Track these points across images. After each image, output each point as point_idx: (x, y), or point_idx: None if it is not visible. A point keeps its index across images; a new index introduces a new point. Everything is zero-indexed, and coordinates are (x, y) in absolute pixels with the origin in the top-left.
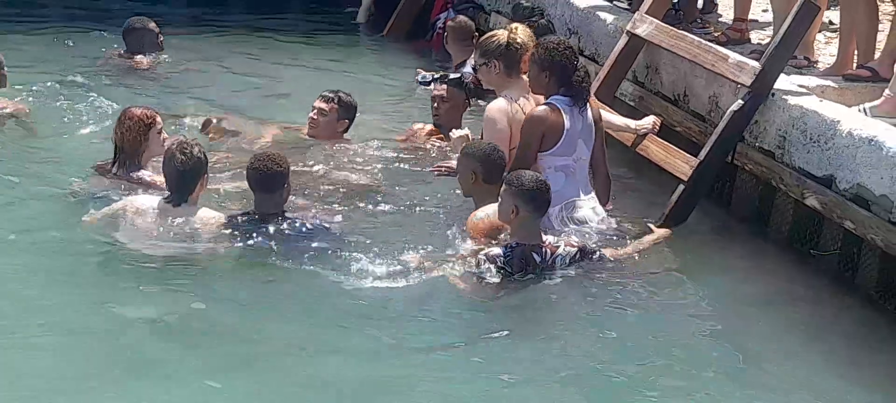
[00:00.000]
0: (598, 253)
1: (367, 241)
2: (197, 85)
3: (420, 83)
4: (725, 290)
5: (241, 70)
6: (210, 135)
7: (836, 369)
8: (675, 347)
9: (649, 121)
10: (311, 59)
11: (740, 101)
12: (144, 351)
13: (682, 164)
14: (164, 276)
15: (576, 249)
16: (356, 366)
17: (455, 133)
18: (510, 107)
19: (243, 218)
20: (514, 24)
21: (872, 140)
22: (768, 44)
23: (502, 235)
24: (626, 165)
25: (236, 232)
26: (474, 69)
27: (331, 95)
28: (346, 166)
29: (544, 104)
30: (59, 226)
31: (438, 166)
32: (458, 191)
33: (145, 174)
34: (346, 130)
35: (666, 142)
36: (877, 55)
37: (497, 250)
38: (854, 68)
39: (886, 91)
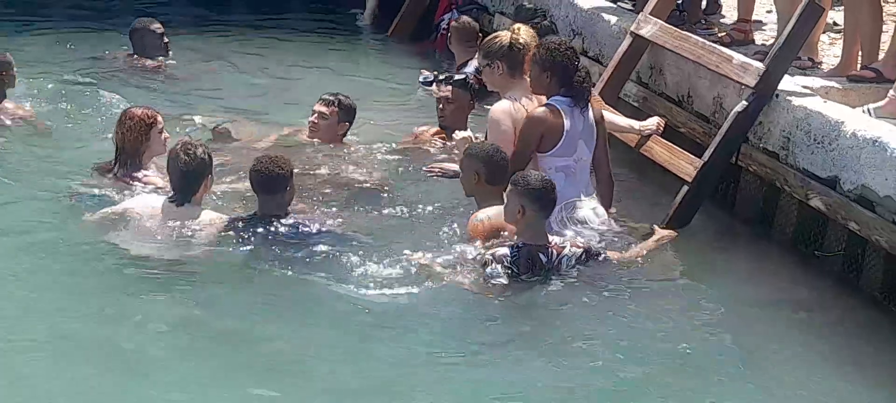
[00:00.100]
0: (602, 254)
1: (370, 243)
2: (201, 86)
3: (422, 83)
4: (729, 291)
5: (244, 71)
6: (213, 136)
7: (840, 370)
8: (679, 348)
9: (653, 122)
10: (315, 60)
11: (744, 102)
12: (143, 351)
13: (686, 165)
14: (164, 276)
15: (581, 250)
16: (360, 367)
17: (458, 134)
18: (513, 108)
19: (246, 220)
20: (517, 25)
21: (876, 141)
22: (772, 45)
23: (503, 237)
24: (629, 166)
25: (238, 234)
26: (478, 70)
27: (331, 98)
28: (349, 168)
29: (543, 105)
30: (59, 227)
31: (431, 167)
32: (459, 194)
33: (146, 174)
34: (346, 133)
35: (670, 143)
36: (881, 56)
37: (504, 250)
38: (858, 69)
39: (891, 92)
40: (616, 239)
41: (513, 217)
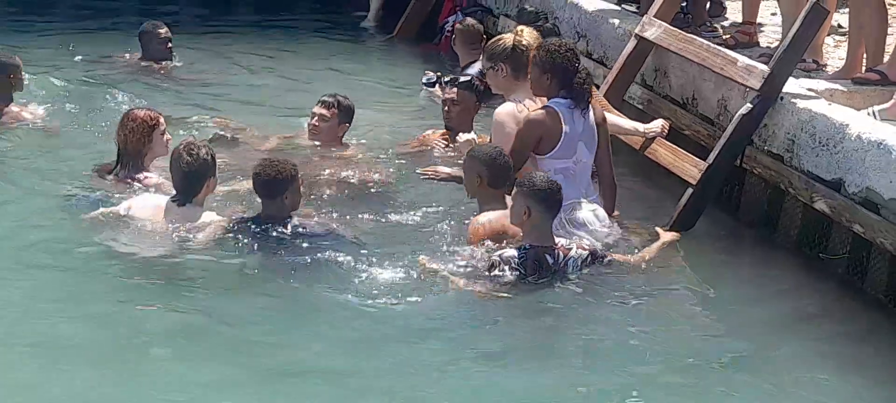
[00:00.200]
0: (607, 257)
1: (374, 247)
2: (205, 88)
3: (424, 84)
4: (734, 294)
5: (249, 73)
6: (214, 137)
7: (844, 372)
8: (683, 351)
9: (658, 124)
10: (320, 62)
11: (749, 105)
12: (142, 352)
13: (690, 168)
14: (164, 277)
15: (587, 252)
16: (363, 370)
17: (462, 137)
18: (518, 110)
19: (247, 222)
20: (521, 28)
21: (881, 143)
22: (777, 47)
23: (504, 240)
24: (634, 169)
25: (240, 236)
26: (482, 73)
27: (330, 100)
28: (353, 171)
29: (541, 108)
30: (60, 227)
31: (426, 170)
32: (464, 197)
33: (148, 176)
34: (344, 134)
35: (674, 146)
36: (886, 58)
37: (511, 252)
38: (863, 72)
39: None
40: (620, 241)
41: (519, 218)
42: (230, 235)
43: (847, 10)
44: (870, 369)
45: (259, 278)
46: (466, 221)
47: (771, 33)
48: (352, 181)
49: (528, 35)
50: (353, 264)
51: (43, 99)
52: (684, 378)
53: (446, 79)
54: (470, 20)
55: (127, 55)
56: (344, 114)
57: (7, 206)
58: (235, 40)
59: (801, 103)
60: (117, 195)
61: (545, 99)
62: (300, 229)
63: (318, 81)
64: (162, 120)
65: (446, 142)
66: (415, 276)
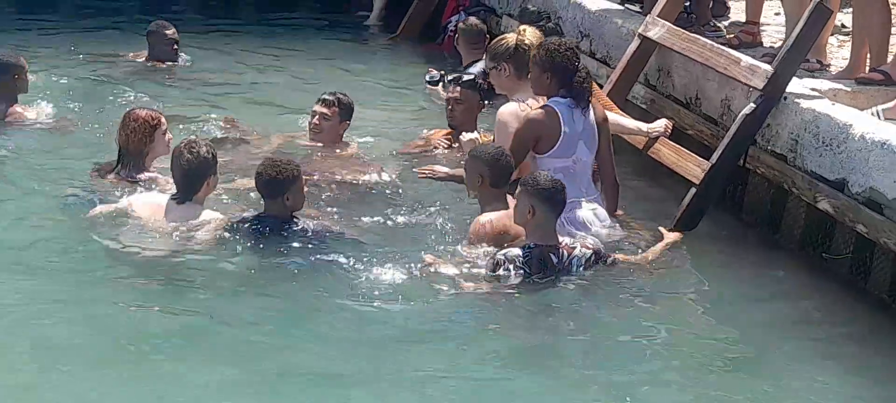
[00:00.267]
0: (611, 257)
1: (375, 246)
2: (209, 88)
3: (427, 82)
4: (737, 294)
5: (252, 72)
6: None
7: (847, 373)
8: (686, 351)
9: (661, 124)
10: (323, 61)
11: (752, 105)
12: (142, 352)
13: (693, 167)
14: (164, 276)
15: (591, 251)
16: (366, 372)
17: (465, 136)
18: (521, 110)
19: (248, 221)
20: (523, 27)
21: (885, 143)
22: (780, 47)
23: (507, 240)
24: (637, 169)
25: (240, 235)
26: (485, 73)
27: (331, 98)
28: (356, 171)
29: (540, 107)
30: (60, 227)
31: (422, 170)
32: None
33: (149, 176)
34: (344, 132)
35: (678, 146)
36: (889, 58)
37: (516, 251)
38: (866, 72)
39: None
40: (623, 241)
41: (523, 218)
42: (231, 235)
43: (851, 9)
44: (872, 369)
45: (260, 279)
46: (467, 219)
47: (774, 33)
48: (354, 181)
49: (530, 34)
50: (355, 265)
51: (47, 98)
52: (687, 378)
53: (449, 77)
54: (473, 20)
55: (131, 54)
56: (344, 111)
57: (7, 206)
58: (239, 40)
59: (804, 103)
60: (117, 194)
61: (546, 98)
62: (302, 229)
63: (322, 81)
64: (163, 119)
65: (449, 142)
66: (418, 277)
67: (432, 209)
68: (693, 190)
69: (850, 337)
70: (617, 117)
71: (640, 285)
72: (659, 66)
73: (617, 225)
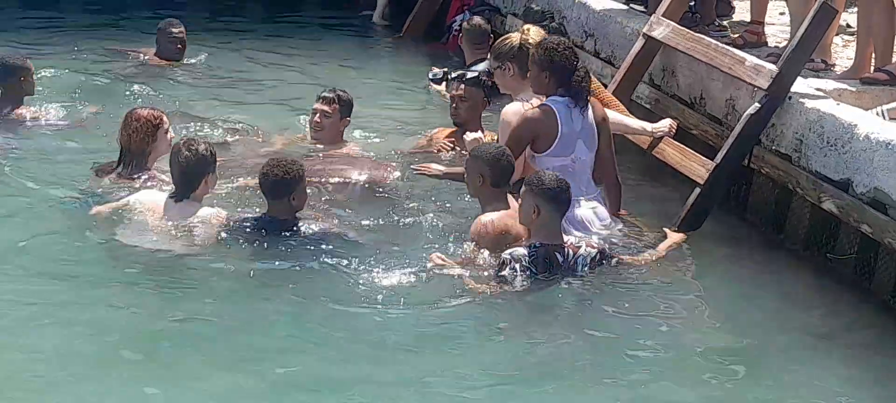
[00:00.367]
0: (616, 257)
1: (379, 247)
2: (212, 87)
3: (431, 80)
4: (741, 294)
5: (256, 71)
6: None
7: (851, 373)
8: (691, 351)
9: (665, 124)
10: (327, 60)
11: (757, 104)
12: (143, 355)
13: (698, 167)
14: (165, 278)
15: (596, 251)
16: (369, 373)
17: (469, 135)
18: (524, 109)
19: (248, 220)
20: (527, 26)
21: (890, 144)
22: (785, 47)
23: (508, 240)
24: (641, 168)
25: (236, 233)
26: (489, 72)
27: (331, 96)
28: (356, 170)
29: (537, 106)
30: (59, 227)
31: (419, 167)
32: (465, 196)
33: (151, 175)
34: (345, 129)
35: (682, 146)
36: (894, 58)
37: (521, 250)
38: (871, 71)
39: None
40: (626, 241)
41: (528, 218)
42: (234, 236)
43: (856, 9)
44: (875, 369)
45: (263, 280)
46: (468, 219)
47: (779, 33)
48: (357, 181)
49: (534, 34)
50: (358, 266)
51: (51, 98)
52: (691, 378)
53: (453, 75)
54: (477, 19)
55: (135, 53)
56: (344, 108)
57: (10, 206)
58: (243, 38)
59: (809, 103)
60: (118, 194)
61: (546, 97)
62: (306, 230)
63: (326, 79)
64: (165, 119)
65: (453, 141)
66: (422, 278)
67: (433, 208)
68: (697, 190)
69: (853, 338)
70: (621, 117)
71: (644, 285)
72: (663, 66)
73: (618, 224)
